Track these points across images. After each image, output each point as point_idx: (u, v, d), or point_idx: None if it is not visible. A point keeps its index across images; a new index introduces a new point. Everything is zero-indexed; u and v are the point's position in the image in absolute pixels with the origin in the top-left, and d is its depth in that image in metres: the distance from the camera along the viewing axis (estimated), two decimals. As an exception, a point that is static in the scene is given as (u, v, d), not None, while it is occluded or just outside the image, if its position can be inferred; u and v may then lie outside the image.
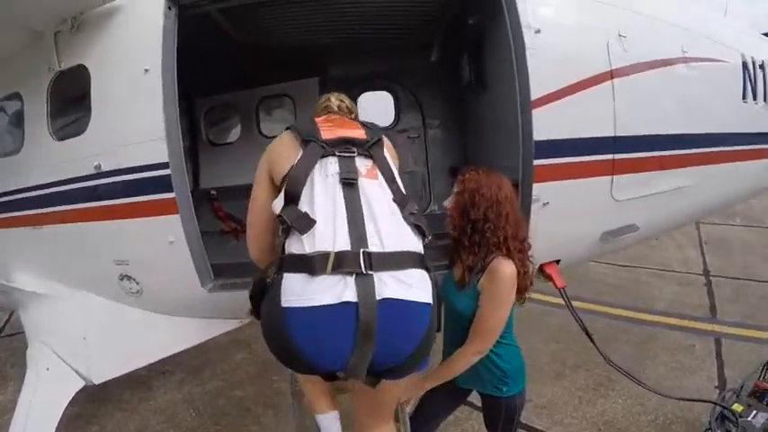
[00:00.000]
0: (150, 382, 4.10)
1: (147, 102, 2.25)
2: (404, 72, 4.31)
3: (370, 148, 1.66)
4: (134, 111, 2.32)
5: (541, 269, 2.52)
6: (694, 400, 3.05)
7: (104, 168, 2.40)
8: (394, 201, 1.58)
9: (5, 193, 2.90)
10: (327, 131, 1.67)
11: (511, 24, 2.31)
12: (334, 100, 1.95)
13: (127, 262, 2.56)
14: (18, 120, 2.77)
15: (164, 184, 2.31)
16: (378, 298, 1.37)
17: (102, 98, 2.39)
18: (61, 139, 2.58)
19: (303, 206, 1.51)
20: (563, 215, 2.42)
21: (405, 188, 1.66)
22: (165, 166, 2.29)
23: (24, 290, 2.90)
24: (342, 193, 1.51)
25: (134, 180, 2.36)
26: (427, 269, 1.52)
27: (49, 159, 2.62)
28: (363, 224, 1.46)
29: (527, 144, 2.32)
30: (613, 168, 2.47)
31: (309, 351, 1.40)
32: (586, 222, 2.58)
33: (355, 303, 1.35)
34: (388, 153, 1.72)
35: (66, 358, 2.69)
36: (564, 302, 2.54)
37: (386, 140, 1.77)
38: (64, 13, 2.37)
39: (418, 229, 1.58)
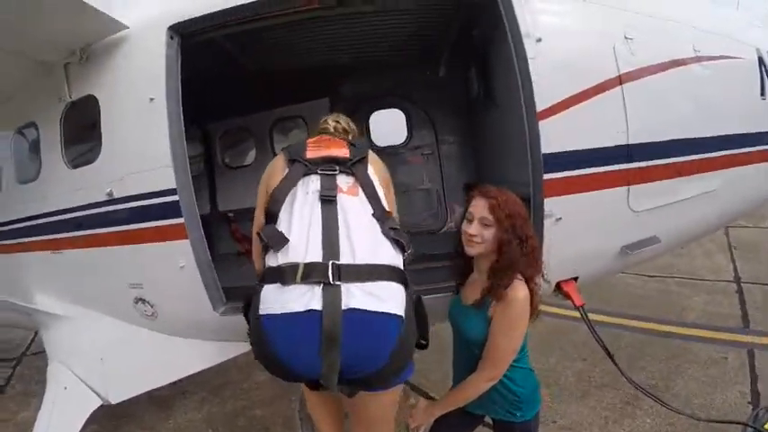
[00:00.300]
0: (171, 401, 4.12)
1: (154, 130, 2.30)
2: (414, 89, 4.29)
3: (352, 165, 1.74)
4: (141, 139, 2.37)
5: (559, 287, 2.43)
6: (724, 422, 2.88)
7: (116, 195, 2.46)
8: (374, 216, 1.64)
9: (26, 219, 3.01)
10: (312, 151, 1.78)
11: (511, 34, 2.26)
12: (331, 122, 2.01)
13: (141, 285, 2.60)
14: (35, 148, 2.87)
15: (173, 210, 2.34)
16: (343, 308, 1.42)
17: (111, 127, 2.46)
18: (75, 166, 2.66)
19: (282, 223, 1.62)
20: (578, 230, 2.33)
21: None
22: (173, 191, 2.32)
23: (45, 311, 2.99)
24: (319, 209, 1.60)
25: (144, 206, 2.41)
26: (405, 284, 1.56)
27: (64, 186, 2.70)
28: (337, 238, 1.54)
29: (535, 157, 2.25)
30: (629, 178, 2.36)
31: (284, 356, 1.47)
32: (603, 237, 2.46)
33: (320, 312, 1.42)
34: (374, 170, 1.80)
35: (83, 378, 2.74)
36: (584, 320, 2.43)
37: (373, 158, 1.86)
38: (71, 45, 2.44)
39: (398, 244, 1.62)
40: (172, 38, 2.31)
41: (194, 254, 2.38)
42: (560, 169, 2.26)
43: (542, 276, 1.91)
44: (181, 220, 2.35)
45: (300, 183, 1.68)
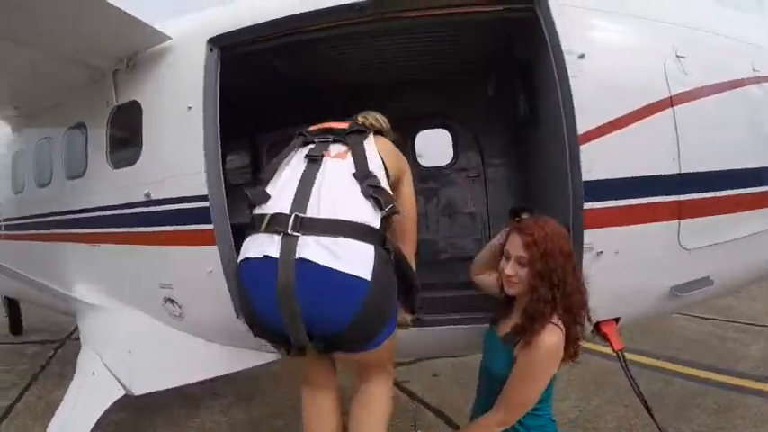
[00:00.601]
0: (201, 401, 4.19)
1: (190, 137, 2.33)
2: (460, 109, 4.18)
3: (347, 135, 1.80)
4: (178, 145, 2.43)
5: (597, 328, 2.23)
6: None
7: (152, 197, 2.54)
8: (354, 176, 1.65)
9: (72, 212, 3.18)
10: (316, 126, 1.91)
11: (552, 50, 2.12)
12: (360, 118, 2.08)
13: (171, 286, 2.66)
14: (83, 147, 3.03)
15: (204, 216, 2.37)
16: (296, 257, 1.45)
17: (151, 132, 2.54)
18: (117, 167, 2.77)
19: (270, 184, 1.71)
20: (621, 267, 2.13)
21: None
22: (205, 198, 2.35)
23: (81, 300, 3.14)
24: (303, 168, 1.69)
25: (177, 210, 2.46)
26: (379, 244, 1.54)
27: (107, 185, 2.84)
28: (309, 193, 1.58)
29: (576, 184, 2.09)
30: (680, 211, 2.16)
31: (252, 303, 1.57)
32: (649, 275, 2.25)
33: (276, 259, 1.47)
34: (379, 147, 1.82)
35: (111, 367, 2.81)
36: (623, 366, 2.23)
37: (380, 138, 1.91)
38: (119, 53, 2.56)
39: (376, 203, 1.60)
40: (211, 50, 2.35)
41: (222, 260, 2.38)
42: (603, 198, 2.09)
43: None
44: (210, 226, 2.36)
45: (298, 150, 1.80)
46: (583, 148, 2.06)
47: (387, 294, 1.56)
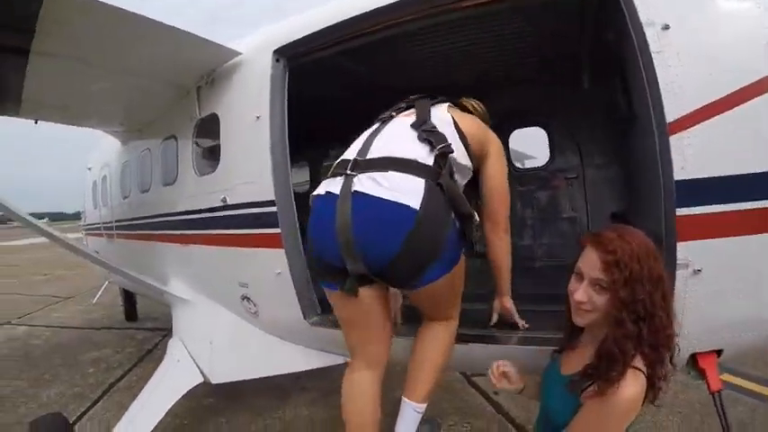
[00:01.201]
0: (287, 393, 4.28)
1: (259, 145, 2.46)
2: (556, 105, 3.87)
3: (415, 101, 2.01)
4: (249, 153, 2.57)
5: (694, 360, 1.88)
6: None
7: (229, 202, 2.73)
8: (411, 125, 1.83)
9: (166, 214, 3.55)
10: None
11: (630, 22, 1.82)
12: (460, 101, 2.23)
13: (247, 285, 2.83)
14: (175, 157, 3.35)
15: (273, 220, 2.48)
16: (352, 191, 1.62)
17: (227, 141, 2.73)
18: (201, 175, 3.03)
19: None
20: (724, 288, 1.78)
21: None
22: (273, 203, 2.46)
23: (173, 294, 3.49)
24: (374, 128, 1.92)
25: (249, 214, 2.61)
26: (430, 178, 1.62)
27: (193, 191, 3.11)
28: (372, 143, 1.79)
29: (667, 185, 1.77)
30: (801, 217, 1.72)
31: (315, 233, 1.73)
32: (762, 299, 1.82)
33: (336, 195, 1.66)
34: (451, 111, 1.98)
35: (194, 356, 3.07)
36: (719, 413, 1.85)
37: (455, 109, 2.05)
38: (201, 72, 2.78)
39: (430, 144, 1.73)
40: (277, 60, 2.45)
41: (288, 263, 2.48)
42: (701, 202, 1.75)
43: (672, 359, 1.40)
44: (278, 230, 2.47)
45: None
46: (673, 139, 1.74)
47: (437, 226, 1.61)
